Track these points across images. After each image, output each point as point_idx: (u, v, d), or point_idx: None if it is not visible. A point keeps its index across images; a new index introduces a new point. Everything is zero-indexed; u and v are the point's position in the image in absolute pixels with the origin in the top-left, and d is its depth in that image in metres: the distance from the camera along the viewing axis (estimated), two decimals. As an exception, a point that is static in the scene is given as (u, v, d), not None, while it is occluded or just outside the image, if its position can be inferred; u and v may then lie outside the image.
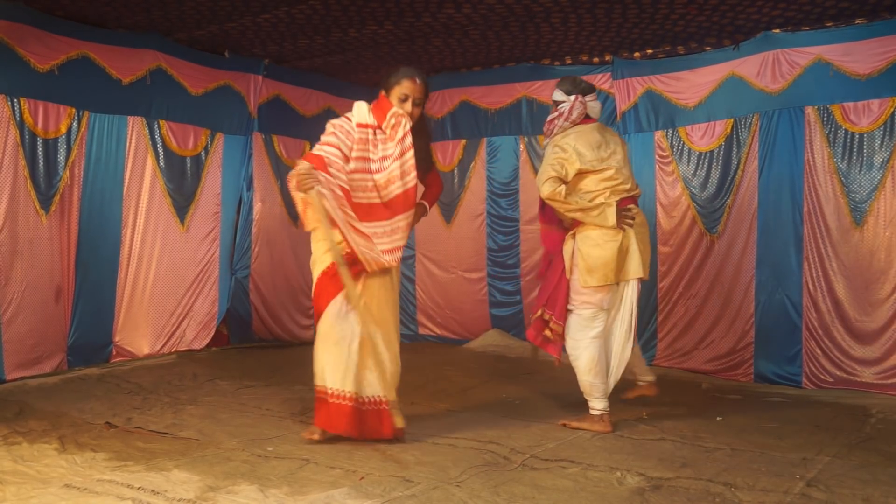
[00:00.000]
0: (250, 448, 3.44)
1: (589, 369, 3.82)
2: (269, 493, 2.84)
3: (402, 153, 3.56)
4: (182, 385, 4.77)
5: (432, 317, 6.80)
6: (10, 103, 4.72)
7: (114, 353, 5.41)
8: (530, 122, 6.27)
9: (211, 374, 5.07)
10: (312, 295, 3.64)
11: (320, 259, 3.56)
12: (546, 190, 3.81)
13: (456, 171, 6.63)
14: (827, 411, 4.31)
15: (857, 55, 4.79)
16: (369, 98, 3.72)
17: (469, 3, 4.78)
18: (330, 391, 3.49)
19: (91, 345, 5.25)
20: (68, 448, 3.39)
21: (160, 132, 5.58)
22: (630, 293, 3.89)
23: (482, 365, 5.69)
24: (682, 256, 5.51)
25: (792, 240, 5.04)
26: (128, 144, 5.40)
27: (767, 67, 5.12)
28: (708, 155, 5.43)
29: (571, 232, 3.91)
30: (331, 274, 3.51)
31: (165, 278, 5.64)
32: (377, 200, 3.56)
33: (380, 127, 3.59)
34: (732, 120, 5.32)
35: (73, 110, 5.07)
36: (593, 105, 4.02)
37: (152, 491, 2.84)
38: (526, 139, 6.32)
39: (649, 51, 5.77)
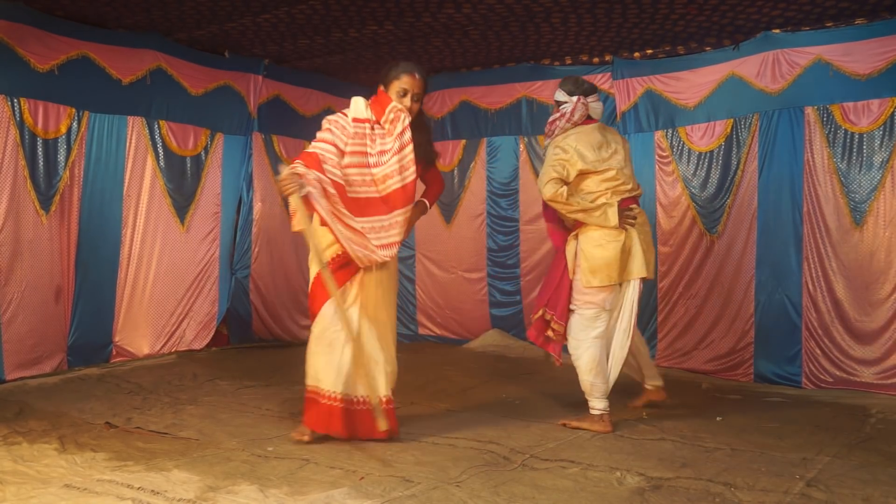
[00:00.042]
0: (250, 448, 3.44)
1: (590, 369, 3.82)
2: (269, 493, 2.84)
3: (401, 148, 3.56)
4: (182, 385, 4.77)
5: (432, 317, 6.80)
6: (10, 103, 4.72)
7: (114, 353, 5.41)
8: (530, 122, 6.27)
9: (211, 374, 5.07)
10: (308, 295, 3.64)
11: (316, 260, 3.56)
12: (548, 192, 3.81)
13: (456, 171, 6.63)
14: (827, 411, 4.31)
15: (856, 55, 4.79)
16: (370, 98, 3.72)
17: (469, 3, 4.78)
18: (322, 392, 3.50)
19: (91, 345, 5.25)
20: (68, 448, 3.39)
21: (160, 132, 5.58)
22: (631, 293, 3.89)
23: (482, 365, 5.69)
24: (681, 256, 5.51)
25: (792, 240, 5.04)
26: (128, 144, 5.40)
27: (767, 67, 5.13)
28: (708, 155, 5.43)
29: (574, 232, 3.91)
30: None
31: (165, 278, 5.64)
32: (375, 195, 3.55)
33: (378, 122, 3.59)
34: (732, 120, 5.32)
35: (73, 110, 5.07)
36: (595, 106, 4.02)
37: (152, 491, 2.84)
38: (526, 139, 6.32)
39: (649, 51, 5.77)
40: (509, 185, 6.40)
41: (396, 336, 3.75)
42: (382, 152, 3.56)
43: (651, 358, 5.50)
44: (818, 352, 4.94)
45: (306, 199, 3.36)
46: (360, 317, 3.54)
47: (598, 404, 3.85)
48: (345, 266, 3.53)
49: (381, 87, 3.64)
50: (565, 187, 3.80)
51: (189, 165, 5.77)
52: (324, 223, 3.45)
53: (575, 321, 3.88)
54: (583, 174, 3.84)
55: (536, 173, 6.15)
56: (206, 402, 4.36)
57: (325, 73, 6.57)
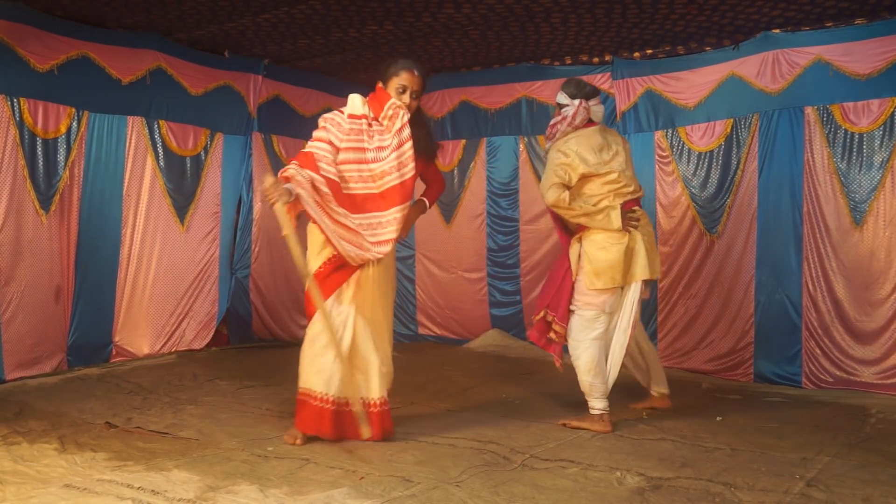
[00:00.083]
0: (250, 448, 3.44)
1: (588, 369, 3.82)
2: (269, 493, 2.84)
3: (400, 144, 3.55)
4: (182, 385, 4.77)
5: (432, 317, 6.80)
6: (9, 103, 4.72)
7: (114, 353, 5.41)
8: (530, 122, 6.27)
9: (211, 374, 5.07)
10: (305, 296, 3.63)
11: (313, 260, 3.55)
12: (550, 197, 3.80)
13: (456, 171, 6.63)
14: (827, 411, 4.31)
15: (856, 55, 4.79)
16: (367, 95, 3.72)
17: (469, 3, 4.78)
18: (314, 394, 3.50)
19: (91, 345, 5.25)
20: (68, 448, 3.39)
21: (160, 132, 5.58)
22: (632, 294, 3.88)
23: (482, 365, 5.69)
24: (681, 256, 5.51)
25: (792, 240, 5.04)
26: (127, 144, 5.39)
27: (767, 67, 5.12)
28: (708, 155, 5.43)
29: (577, 235, 3.91)
30: (322, 277, 3.50)
31: (165, 278, 5.64)
32: (373, 191, 3.54)
33: (376, 118, 3.58)
34: (732, 120, 5.32)
35: (73, 110, 5.07)
36: (597, 109, 4.01)
37: (152, 491, 2.84)
38: (526, 139, 6.32)
39: (649, 51, 5.77)
40: (509, 185, 6.40)
41: (393, 336, 3.74)
42: (380, 148, 3.55)
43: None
44: (818, 352, 4.94)
45: (294, 204, 3.35)
46: (357, 317, 3.53)
47: (597, 404, 3.85)
48: (341, 267, 3.52)
49: (380, 84, 3.63)
50: (567, 192, 3.80)
51: (189, 165, 5.77)
52: (314, 222, 3.45)
53: (575, 322, 3.88)
54: (585, 178, 3.83)
55: (536, 173, 6.16)
56: (206, 402, 4.36)
57: (324, 73, 6.57)
